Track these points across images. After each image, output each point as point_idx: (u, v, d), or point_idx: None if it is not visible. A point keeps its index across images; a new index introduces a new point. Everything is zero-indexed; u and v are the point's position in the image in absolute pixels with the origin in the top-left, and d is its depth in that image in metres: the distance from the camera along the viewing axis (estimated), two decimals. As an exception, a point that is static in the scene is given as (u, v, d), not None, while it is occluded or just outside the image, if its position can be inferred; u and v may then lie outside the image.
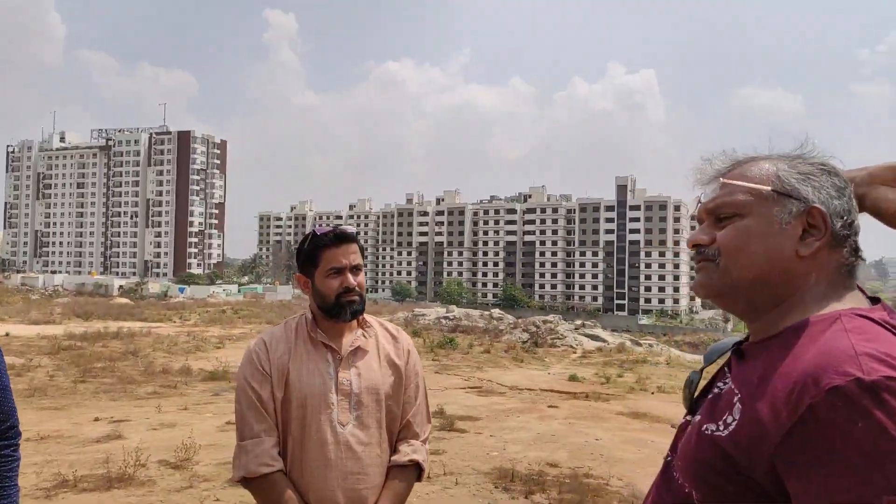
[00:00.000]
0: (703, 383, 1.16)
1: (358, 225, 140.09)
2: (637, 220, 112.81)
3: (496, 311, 33.38)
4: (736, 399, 0.96)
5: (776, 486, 0.88)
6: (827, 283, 0.99)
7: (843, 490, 0.81)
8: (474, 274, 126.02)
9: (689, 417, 1.10)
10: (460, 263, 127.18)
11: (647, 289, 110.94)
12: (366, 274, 2.09)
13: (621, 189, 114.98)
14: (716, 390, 1.04)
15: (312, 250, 1.93)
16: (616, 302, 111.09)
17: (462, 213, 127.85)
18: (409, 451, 1.92)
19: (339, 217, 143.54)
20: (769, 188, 1.01)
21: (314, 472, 1.81)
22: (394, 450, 1.93)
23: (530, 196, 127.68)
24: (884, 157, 1.12)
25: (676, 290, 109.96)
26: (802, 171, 1.02)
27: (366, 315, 2.00)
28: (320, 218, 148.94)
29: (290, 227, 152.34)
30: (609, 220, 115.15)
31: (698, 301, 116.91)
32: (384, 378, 1.93)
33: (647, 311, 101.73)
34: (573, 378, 15.29)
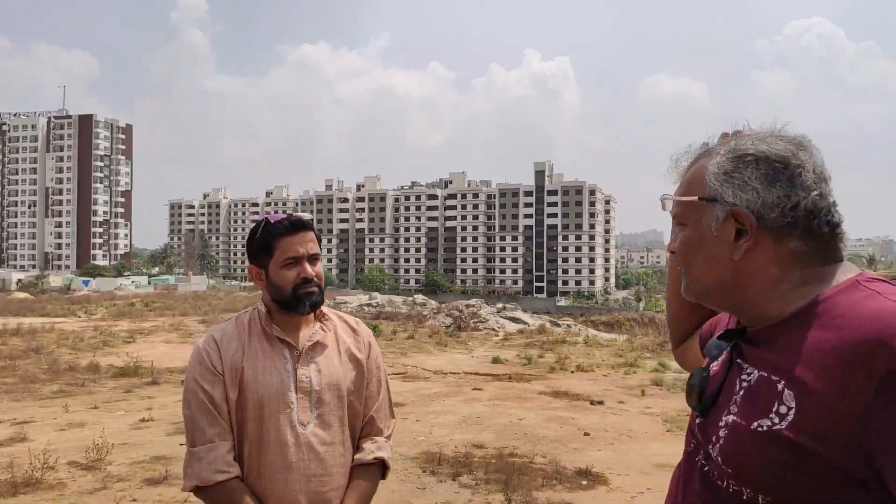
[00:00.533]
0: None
1: (275, 213, 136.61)
2: (555, 204, 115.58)
3: (419, 297, 33.51)
4: (780, 386, 0.92)
5: (860, 465, 0.84)
6: (797, 269, 0.97)
7: None
8: (396, 260, 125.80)
9: (700, 419, 1.05)
10: (382, 250, 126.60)
11: (565, 271, 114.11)
12: None
13: (539, 174, 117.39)
14: (744, 384, 0.98)
15: (266, 239, 1.80)
16: (535, 285, 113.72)
17: (383, 199, 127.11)
18: (373, 449, 1.85)
19: (256, 204, 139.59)
20: (696, 198, 1.01)
21: (274, 476, 1.71)
22: (356, 447, 1.86)
23: (451, 182, 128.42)
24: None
25: (592, 271, 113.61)
26: (727, 169, 0.98)
27: (323, 307, 1.89)
28: (235, 206, 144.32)
29: (203, 215, 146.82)
30: (528, 205, 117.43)
31: (612, 282, 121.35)
32: (345, 373, 1.84)
33: (564, 293, 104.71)
34: (496, 360, 15.57)
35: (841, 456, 0.84)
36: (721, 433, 0.98)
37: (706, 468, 1.01)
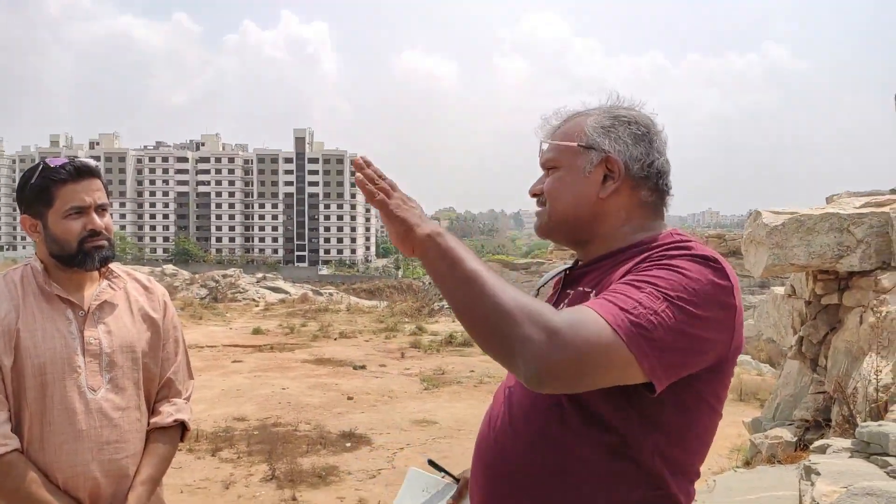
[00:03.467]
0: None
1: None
2: (315, 172, 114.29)
3: (169, 267, 30.94)
4: (591, 295, 1.14)
5: None
6: (638, 217, 1.21)
7: (622, 295, 1.03)
8: (140, 227, 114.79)
9: None
10: (123, 216, 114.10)
11: (327, 240, 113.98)
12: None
13: (299, 141, 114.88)
14: (565, 302, 1.21)
15: (44, 186, 1.61)
16: (297, 253, 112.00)
17: (123, 159, 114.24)
18: (172, 411, 1.78)
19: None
20: (576, 144, 1.21)
21: (61, 447, 1.58)
22: (153, 411, 1.77)
23: (203, 144, 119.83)
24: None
25: (353, 240, 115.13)
26: (605, 124, 1.20)
27: (111, 264, 1.74)
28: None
29: None
30: (288, 172, 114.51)
31: (373, 250, 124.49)
32: (139, 334, 1.73)
33: (326, 262, 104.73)
34: (257, 331, 15.16)
35: None
36: None
37: None
